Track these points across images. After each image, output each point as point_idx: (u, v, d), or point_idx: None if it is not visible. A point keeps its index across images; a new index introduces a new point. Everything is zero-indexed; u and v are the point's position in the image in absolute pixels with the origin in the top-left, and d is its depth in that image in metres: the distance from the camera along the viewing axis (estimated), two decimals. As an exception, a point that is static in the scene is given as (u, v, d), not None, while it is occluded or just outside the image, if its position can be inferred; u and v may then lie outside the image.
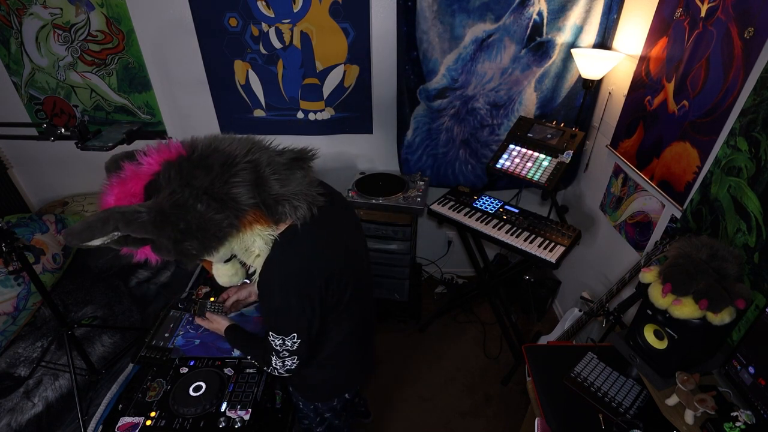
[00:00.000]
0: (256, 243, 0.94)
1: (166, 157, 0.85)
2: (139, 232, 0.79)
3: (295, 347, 1.05)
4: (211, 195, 0.84)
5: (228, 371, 1.38)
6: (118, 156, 0.92)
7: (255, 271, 1.04)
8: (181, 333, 1.52)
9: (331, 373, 1.27)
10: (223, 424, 1.23)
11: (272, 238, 0.95)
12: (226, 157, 0.86)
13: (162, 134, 0.83)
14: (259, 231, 0.92)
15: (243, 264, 1.10)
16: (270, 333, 1.04)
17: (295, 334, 1.03)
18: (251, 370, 1.39)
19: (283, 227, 0.97)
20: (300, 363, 1.09)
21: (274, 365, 1.09)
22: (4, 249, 1.37)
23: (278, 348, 1.05)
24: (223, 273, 1.08)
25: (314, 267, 0.99)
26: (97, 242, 0.80)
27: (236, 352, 1.45)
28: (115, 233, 0.79)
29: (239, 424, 1.23)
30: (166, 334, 1.51)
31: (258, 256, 0.99)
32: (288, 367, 1.09)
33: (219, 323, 1.32)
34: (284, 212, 0.92)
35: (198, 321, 1.38)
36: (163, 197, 0.81)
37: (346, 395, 1.42)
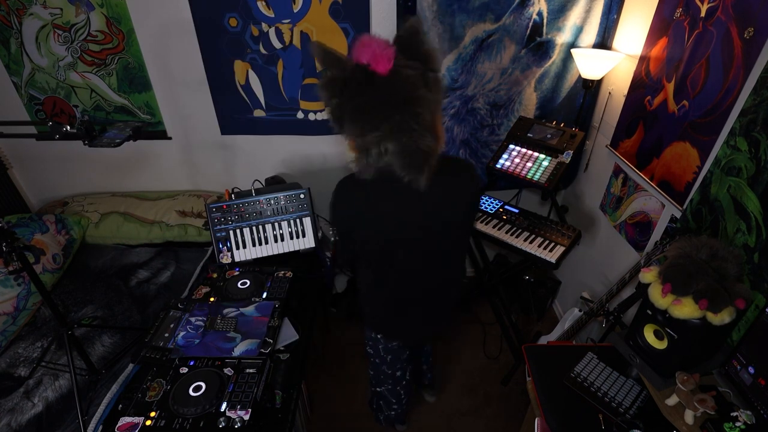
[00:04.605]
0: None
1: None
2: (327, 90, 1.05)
3: (334, 240, 1.33)
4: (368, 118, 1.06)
5: (228, 371, 1.38)
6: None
7: None
8: (181, 333, 1.52)
9: (366, 308, 1.54)
10: (223, 424, 1.23)
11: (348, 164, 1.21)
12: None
13: (162, 134, 0.82)
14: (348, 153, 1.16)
15: None
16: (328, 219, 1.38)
17: (333, 230, 1.37)
18: (251, 370, 1.38)
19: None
20: (341, 260, 1.39)
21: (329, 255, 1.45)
22: (4, 249, 1.36)
23: (331, 233, 1.36)
24: None
25: (341, 209, 1.25)
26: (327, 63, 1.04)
27: (236, 352, 1.44)
28: (337, 77, 1.03)
29: (239, 424, 1.23)
30: (166, 334, 1.51)
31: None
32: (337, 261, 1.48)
33: None
34: (364, 169, 1.14)
35: None
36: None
37: (380, 337, 1.59)
